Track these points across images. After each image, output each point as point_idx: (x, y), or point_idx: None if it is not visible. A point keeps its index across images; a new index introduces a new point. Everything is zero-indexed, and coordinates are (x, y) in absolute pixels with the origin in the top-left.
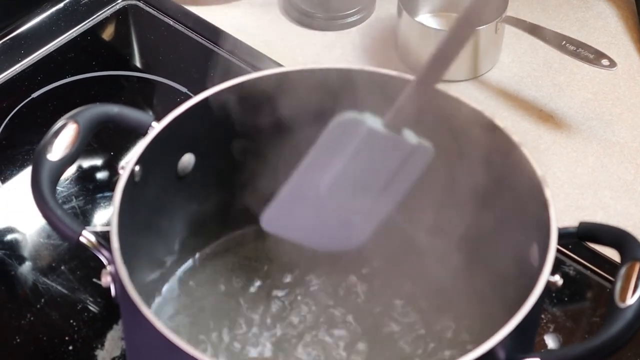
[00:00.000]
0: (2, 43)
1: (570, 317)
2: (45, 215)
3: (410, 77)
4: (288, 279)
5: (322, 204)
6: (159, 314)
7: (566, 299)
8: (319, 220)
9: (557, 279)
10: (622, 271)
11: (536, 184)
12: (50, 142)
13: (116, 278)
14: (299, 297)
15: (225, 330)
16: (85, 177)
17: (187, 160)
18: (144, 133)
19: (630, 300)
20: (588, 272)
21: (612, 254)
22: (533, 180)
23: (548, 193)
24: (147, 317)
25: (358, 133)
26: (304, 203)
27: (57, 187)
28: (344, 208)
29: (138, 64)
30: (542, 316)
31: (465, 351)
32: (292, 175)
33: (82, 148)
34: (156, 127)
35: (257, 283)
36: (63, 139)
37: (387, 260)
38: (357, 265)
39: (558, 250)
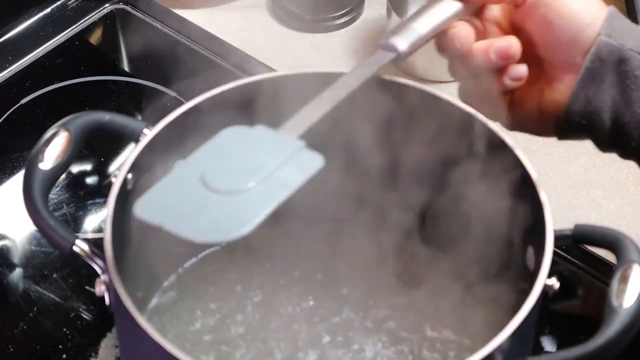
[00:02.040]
0: None
1: (565, 318)
2: (38, 225)
3: (402, 80)
4: (286, 289)
5: (202, 189)
6: (154, 322)
7: (561, 300)
8: (197, 206)
9: (554, 282)
10: (619, 273)
11: (531, 187)
12: (42, 150)
13: (110, 287)
14: (299, 309)
15: (219, 337)
16: (75, 183)
17: None
18: (135, 140)
19: (628, 303)
20: (582, 273)
21: (606, 254)
22: (528, 183)
23: (543, 196)
24: (143, 327)
25: (247, 139)
26: (183, 189)
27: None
28: (224, 192)
29: (127, 68)
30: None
31: (463, 356)
32: (173, 167)
33: (73, 156)
34: (148, 134)
35: (252, 293)
36: (54, 147)
37: (381, 265)
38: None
39: (553, 252)
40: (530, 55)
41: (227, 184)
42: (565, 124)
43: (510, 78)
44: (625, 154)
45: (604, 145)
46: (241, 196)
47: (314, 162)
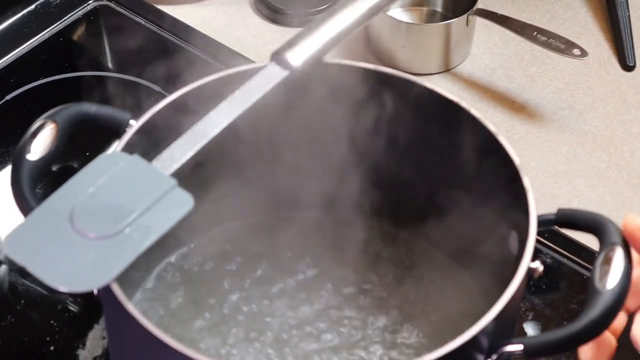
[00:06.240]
0: None
1: (548, 305)
2: (27, 215)
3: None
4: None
5: (69, 229)
6: (141, 309)
7: (544, 287)
8: (62, 248)
9: (538, 265)
10: (602, 256)
11: (514, 173)
12: (29, 142)
13: None
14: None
15: (205, 325)
16: (61, 178)
17: None
18: (121, 132)
19: (611, 284)
20: (565, 260)
21: (588, 241)
22: (511, 168)
23: (526, 181)
24: (132, 314)
25: (120, 172)
26: (52, 226)
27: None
28: (93, 232)
29: (110, 64)
30: (521, 305)
31: (446, 340)
32: (44, 202)
33: (61, 147)
34: (134, 125)
35: (243, 280)
36: (42, 138)
37: (371, 251)
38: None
39: (535, 239)
40: None
41: (93, 226)
42: None
43: None
44: None
45: None
46: (106, 242)
47: (184, 204)
